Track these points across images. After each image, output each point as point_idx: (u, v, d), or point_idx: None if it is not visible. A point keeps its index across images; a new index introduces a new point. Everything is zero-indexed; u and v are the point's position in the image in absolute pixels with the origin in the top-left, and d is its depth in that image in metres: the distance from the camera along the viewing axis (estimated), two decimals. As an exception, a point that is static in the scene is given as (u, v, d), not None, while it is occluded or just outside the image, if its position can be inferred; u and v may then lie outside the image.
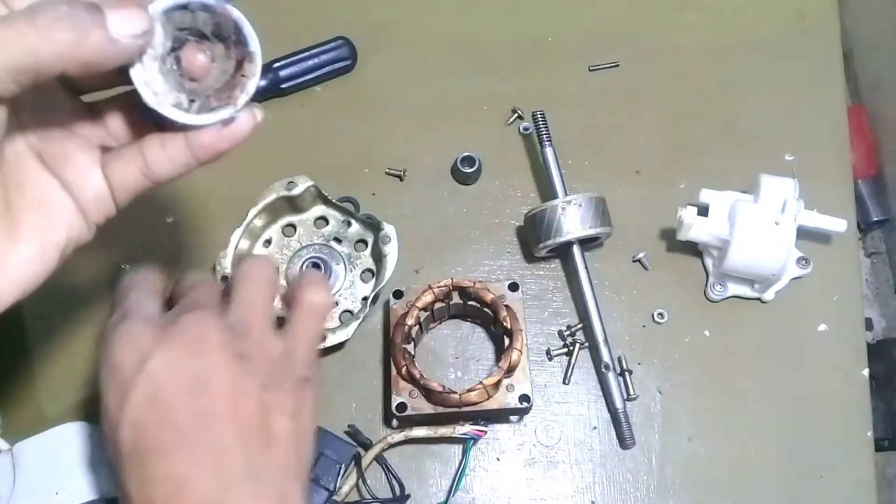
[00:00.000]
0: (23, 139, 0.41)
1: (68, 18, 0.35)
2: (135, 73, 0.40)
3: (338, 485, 0.62)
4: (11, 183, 0.41)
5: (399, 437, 0.63)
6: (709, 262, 0.72)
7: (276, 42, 0.78)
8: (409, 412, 0.61)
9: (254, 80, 0.41)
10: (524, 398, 0.62)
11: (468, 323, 0.70)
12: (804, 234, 0.70)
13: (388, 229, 0.68)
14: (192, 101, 0.41)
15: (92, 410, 0.64)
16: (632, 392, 0.67)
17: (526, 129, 0.76)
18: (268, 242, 0.71)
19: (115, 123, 0.44)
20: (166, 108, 0.40)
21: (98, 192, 0.42)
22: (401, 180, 0.75)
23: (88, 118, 0.43)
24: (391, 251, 0.67)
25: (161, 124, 0.42)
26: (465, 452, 0.64)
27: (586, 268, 0.69)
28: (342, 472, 0.63)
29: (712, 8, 0.83)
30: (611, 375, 0.66)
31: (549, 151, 0.71)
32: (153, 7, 0.39)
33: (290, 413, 0.42)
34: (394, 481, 0.64)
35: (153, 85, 0.40)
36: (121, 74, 0.40)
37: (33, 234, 0.40)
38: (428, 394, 0.61)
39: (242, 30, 0.41)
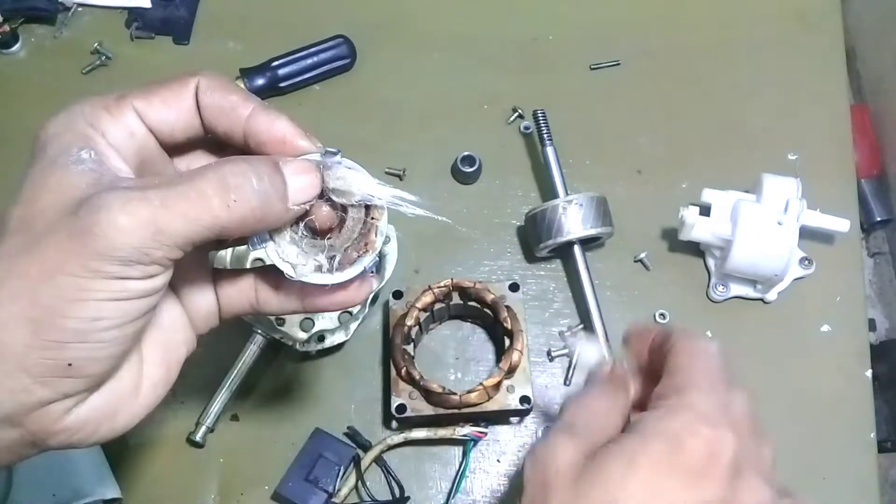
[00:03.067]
0: None
1: (259, 196, 0.34)
2: (270, 252, 0.39)
3: (337, 486, 0.62)
4: None
5: (398, 438, 0.63)
6: (711, 262, 0.71)
7: (275, 40, 0.77)
8: (408, 413, 0.61)
9: (383, 221, 0.40)
10: (525, 399, 0.61)
11: (468, 324, 0.69)
12: (807, 234, 0.70)
13: (388, 229, 0.67)
14: (331, 257, 0.39)
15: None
16: (633, 393, 0.67)
17: (527, 128, 0.76)
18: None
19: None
20: (311, 278, 0.39)
21: (209, 310, 0.42)
22: (400, 179, 0.75)
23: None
24: (391, 251, 0.66)
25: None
26: (465, 454, 0.64)
27: (587, 268, 0.68)
28: (341, 473, 0.62)
29: (714, 6, 0.82)
30: (612, 376, 0.66)
31: (549, 151, 0.71)
32: None
33: None
34: (393, 483, 0.63)
35: (289, 257, 0.39)
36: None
37: (159, 355, 0.39)
38: (428, 395, 0.61)
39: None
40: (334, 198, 0.39)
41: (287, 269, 0.39)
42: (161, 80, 0.38)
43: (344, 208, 0.40)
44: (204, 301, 0.41)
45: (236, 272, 0.41)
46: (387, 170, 0.75)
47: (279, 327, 0.65)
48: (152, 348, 0.38)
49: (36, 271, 0.32)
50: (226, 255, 0.41)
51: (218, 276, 0.42)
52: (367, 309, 0.65)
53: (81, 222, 0.31)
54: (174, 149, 0.40)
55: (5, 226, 0.33)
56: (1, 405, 0.32)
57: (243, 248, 0.40)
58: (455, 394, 0.60)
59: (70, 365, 0.32)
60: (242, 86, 0.75)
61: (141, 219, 0.32)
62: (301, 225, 0.39)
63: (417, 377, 0.60)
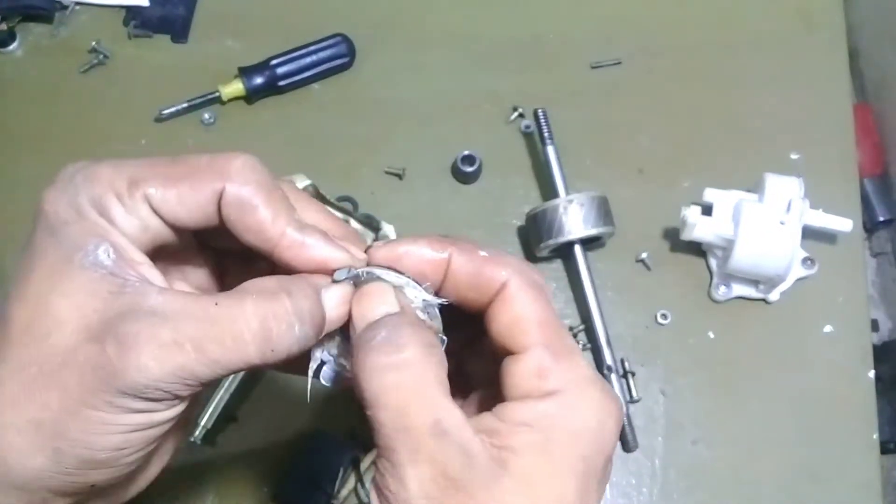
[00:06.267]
0: None
1: (300, 341, 0.33)
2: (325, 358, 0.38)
3: (336, 488, 0.62)
4: None
5: (398, 439, 0.62)
6: (713, 262, 0.71)
7: (274, 39, 0.77)
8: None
9: (437, 322, 0.37)
10: (525, 401, 0.61)
11: (468, 324, 0.69)
12: (809, 233, 0.69)
13: (388, 229, 0.67)
14: None
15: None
16: (634, 394, 0.67)
17: (527, 127, 0.76)
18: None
19: None
20: None
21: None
22: (400, 179, 0.74)
23: None
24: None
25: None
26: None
27: (588, 268, 0.68)
28: (341, 475, 0.62)
29: (716, 5, 0.82)
30: (613, 377, 0.66)
31: (550, 150, 0.70)
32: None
33: None
34: (393, 485, 0.63)
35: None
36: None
37: (161, 449, 0.38)
38: (427, 396, 0.60)
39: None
40: None
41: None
42: (181, 167, 0.34)
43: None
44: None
45: None
46: (386, 169, 0.74)
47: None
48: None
49: (58, 402, 0.31)
50: None
51: None
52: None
53: (107, 358, 0.30)
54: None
55: (7, 323, 0.31)
56: None
57: None
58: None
59: (93, 486, 0.33)
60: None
61: (172, 365, 0.31)
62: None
63: (417, 378, 0.60)
